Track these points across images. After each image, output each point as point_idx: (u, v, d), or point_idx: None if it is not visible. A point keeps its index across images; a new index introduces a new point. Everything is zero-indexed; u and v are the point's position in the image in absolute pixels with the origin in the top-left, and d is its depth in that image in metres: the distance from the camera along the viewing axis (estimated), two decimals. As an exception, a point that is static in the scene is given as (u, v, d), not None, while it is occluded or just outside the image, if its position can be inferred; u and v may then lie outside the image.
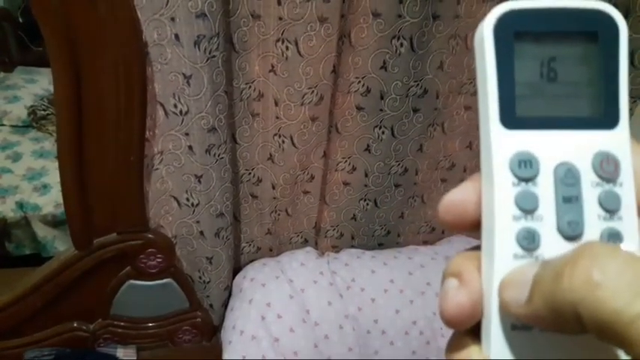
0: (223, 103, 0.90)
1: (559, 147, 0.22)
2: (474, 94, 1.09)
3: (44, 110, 2.08)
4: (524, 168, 0.21)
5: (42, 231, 1.71)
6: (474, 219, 0.23)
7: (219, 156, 0.94)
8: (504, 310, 0.20)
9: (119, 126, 0.84)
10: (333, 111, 1.02)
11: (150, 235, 0.97)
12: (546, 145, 0.22)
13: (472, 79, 1.04)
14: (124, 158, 0.87)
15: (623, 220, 0.21)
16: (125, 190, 0.91)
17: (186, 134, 0.90)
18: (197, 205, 0.99)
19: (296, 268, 1.14)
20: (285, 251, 1.22)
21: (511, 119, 0.22)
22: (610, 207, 0.21)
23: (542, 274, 0.19)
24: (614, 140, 0.22)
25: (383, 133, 1.05)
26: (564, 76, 0.22)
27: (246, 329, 1.04)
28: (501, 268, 0.21)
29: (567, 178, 0.21)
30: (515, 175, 0.21)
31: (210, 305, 1.14)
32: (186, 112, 0.87)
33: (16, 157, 1.93)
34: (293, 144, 1.02)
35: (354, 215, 1.19)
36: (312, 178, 1.11)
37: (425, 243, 1.30)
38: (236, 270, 1.18)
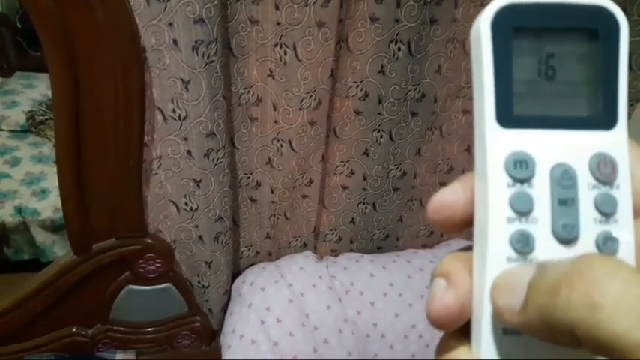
0: (222, 108, 0.90)
1: (556, 147, 0.21)
2: (472, 97, 1.09)
3: (43, 115, 2.08)
4: (520, 169, 0.21)
5: (41, 236, 1.71)
6: (463, 219, 0.23)
7: (217, 161, 0.94)
8: (497, 315, 0.20)
9: (118, 131, 0.84)
10: (331, 115, 1.02)
11: (149, 240, 0.97)
12: (543, 146, 0.21)
13: (470, 83, 1.04)
14: (123, 163, 0.87)
15: (619, 223, 0.21)
16: (124, 195, 0.91)
17: (185, 139, 0.90)
18: (196, 209, 0.99)
19: (295, 272, 1.14)
20: (284, 255, 1.22)
21: (507, 118, 0.21)
22: (606, 210, 0.21)
23: (538, 283, 0.18)
24: (612, 141, 0.21)
25: (381, 137, 1.05)
26: (563, 74, 0.22)
27: (245, 333, 1.04)
28: (494, 271, 0.21)
29: (563, 180, 0.21)
30: (511, 176, 0.21)
31: (210, 309, 1.14)
32: (185, 117, 0.88)
33: (15, 162, 1.92)
34: (291, 148, 1.02)
35: (352, 219, 1.19)
36: (311, 182, 1.11)
37: (424, 246, 1.30)
38: (235, 274, 1.18)
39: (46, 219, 1.71)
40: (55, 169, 0.87)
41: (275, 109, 0.97)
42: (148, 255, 0.98)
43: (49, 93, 0.80)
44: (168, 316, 1.09)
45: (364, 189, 1.13)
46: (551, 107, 0.22)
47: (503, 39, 0.21)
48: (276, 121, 0.99)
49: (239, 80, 0.93)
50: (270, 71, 0.93)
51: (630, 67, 0.98)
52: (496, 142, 0.21)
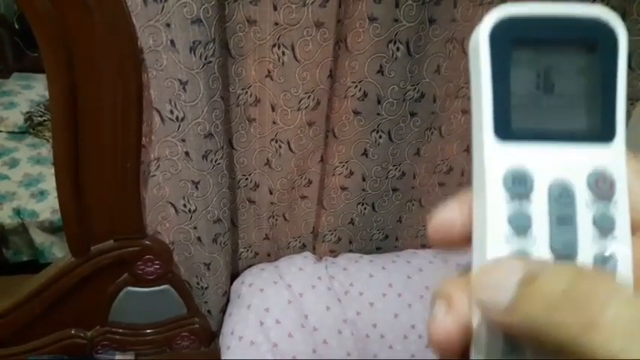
0: (220, 109, 0.90)
1: (554, 162, 0.21)
2: (471, 109, 1.08)
3: (41, 116, 2.07)
4: (519, 184, 0.21)
5: (39, 237, 1.71)
6: (462, 238, 0.23)
7: (216, 162, 0.94)
8: (480, 309, 0.20)
9: (115, 132, 0.83)
10: (330, 116, 1.02)
11: (147, 242, 0.97)
12: (541, 160, 0.21)
13: (469, 83, 1.04)
14: (121, 165, 0.87)
15: (617, 239, 0.20)
16: (122, 197, 0.91)
17: (183, 140, 0.90)
18: (194, 211, 0.98)
19: (294, 273, 1.14)
20: (283, 256, 1.21)
21: (506, 131, 0.21)
22: (605, 226, 0.20)
23: (532, 290, 0.18)
24: (610, 156, 0.21)
25: (380, 137, 1.04)
26: (561, 87, 0.21)
27: (244, 335, 1.04)
28: None
29: (562, 197, 0.21)
30: (509, 192, 0.21)
31: (209, 311, 1.13)
32: (183, 118, 0.87)
33: (13, 164, 1.92)
34: (290, 149, 1.02)
35: (351, 220, 1.18)
36: (310, 182, 1.10)
37: (423, 246, 1.30)
38: (234, 275, 1.18)
39: (44, 220, 1.70)
40: (53, 171, 0.86)
41: (273, 109, 0.97)
42: (147, 257, 0.98)
43: (47, 94, 0.79)
44: (167, 317, 1.08)
45: (363, 189, 1.13)
46: (550, 120, 0.21)
47: (502, 51, 0.21)
48: (274, 122, 0.99)
49: (237, 81, 0.93)
50: (269, 72, 0.92)
51: (630, 66, 0.98)
52: (494, 156, 0.21)
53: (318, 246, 1.24)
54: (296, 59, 0.90)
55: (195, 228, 1.01)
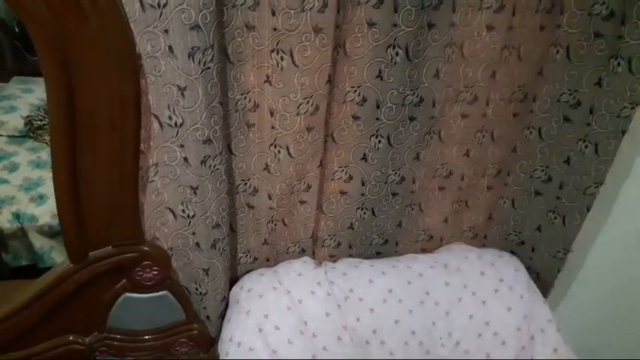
0: (218, 115, 0.89)
1: None
2: (471, 102, 1.09)
3: (41, 120, 2.08)
4: None
5: (39, 242, 1.70)
6: None
7: (214, 167, 0.94)
8: None
9: (113, 138, 0.83)
10: (329, 121, 1.02)
11: (145, 248, 0.97)
12: None
13: (468, 87, 1.04)
14: (119, 171, 0.87)
15: None
16: (120, 203, 0.90)
17: (182, 146, 0.90)
18: (193, 216, 0.98)
19: (293, 279, 1.13)
20: (283, 261, 1.21)
21: None
22: None
23: None
24: None
25: (379, 142, 1.04)
26: None
27: (243, 341, 1.03)
28: None
29: None
30: None
31: (207, 317, 1.13)
32: (181, 124, 0.87)
33: (13, 168, 1.92)
34: (289, 154, 1.01)
35: (351, 224, 1.18)
36: (309, 187, 1.10)
37: (423, 251, 1.29)
38: (233, 280, 1.18)
39: (44, 224, 1.70)
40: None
41: (272, 115, 0.96)
42: (145, 263, 0.98)
43: (46, 99, 0.79)
44: (165, 323, 1.08)
45: (363, 194, 1.12)
46: None
47: None
48: (273, 127, 0.98)
49: (236, 86, 0.93)
50: (267, 77, 0.92)
51: (630, 70, 0.98)
52: None
53: (317, 251, 1.23)
54: (295, 64, 0.89)
55: (193, 233, 1.01)
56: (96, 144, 0.83)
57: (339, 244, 1.22)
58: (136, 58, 0.78)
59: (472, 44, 0.98)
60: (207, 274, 1.06)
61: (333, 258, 1.24)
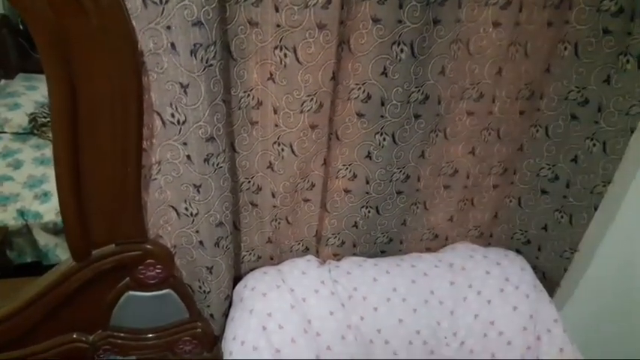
0: (221, 112, 0.89)
1: None
2: (477, 99, 1.08)
3: (45, 117, 2.08)
4: None
5: (43, 239, 1.70)
6: None
7: (217, 165, 0.93)
8: None
9: (116, 136, 0.82)
10: (333, 118, 1.01)
11: (149, 246, 0.96)
12: None
13: (474, 84, 1.03)
14: (122, 169, 0.86)
15: None
16: (123, 201, 0.90)
17: (184, 144, 0.89)
18: (196, 214, 0.98)
19: (297, 277, 1.13)
20: (286, 260, 1.20)
21: None
22: None
23: None
24: None
25: (384, 139, 1.03)
26: None
27: (247, 340, 1.03)
28: None
29: None
30: None
31: (211, 315, 1.12)
32: (184, 122, 0.86)
33: (17, 165, 1.92)
34: (293, 152, 1.00)
35: (355, 223, 1.17)
36: (313, 185, 1.09)
37: (428, 250, 1.28)
38: (236, 279, 1.17)
39: (48, 222, 1.70)
40: (57, 172, 0.86)
41: (276, 112, 0.96)
42: (148, 261, 0.97)
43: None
44: (169, 322, 1.07)
45: (367, 192, 1.12)
46: None
47: None
48: (276, 125, 0.97)
49: (239, 83, 0.92)
50: (271, 74, 0.91)
51: (639, 67, 0.96)
52: None
53: (321, 249, 1.23)
54: (298, 61, 0.88)
55: (197, 232, 1.00)
56: (98, 142, 0.82)
57: (343, 242, 1.21)
58: (138, 55, 0.77)
59: (478, 41, 0.97)
60: (210, 272, 1.06)
61: (337, 257, 1.23)
